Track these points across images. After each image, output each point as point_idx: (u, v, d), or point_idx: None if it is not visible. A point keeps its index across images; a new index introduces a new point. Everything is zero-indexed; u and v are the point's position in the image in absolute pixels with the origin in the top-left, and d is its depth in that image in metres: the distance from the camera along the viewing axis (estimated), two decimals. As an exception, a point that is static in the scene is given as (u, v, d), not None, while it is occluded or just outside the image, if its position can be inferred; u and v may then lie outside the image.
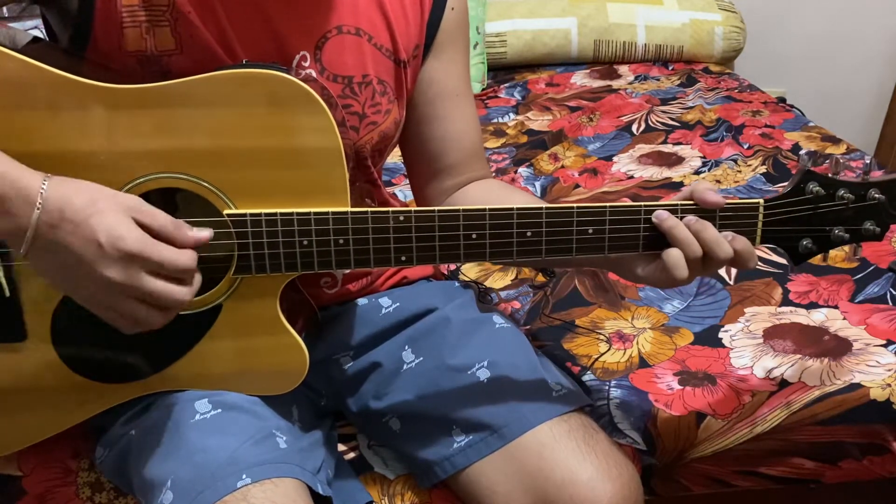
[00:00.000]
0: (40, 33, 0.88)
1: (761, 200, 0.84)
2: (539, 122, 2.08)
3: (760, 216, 0.84)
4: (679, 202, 0.83)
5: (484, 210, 0.81)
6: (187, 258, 0.72)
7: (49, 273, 0.72)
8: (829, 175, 0.85)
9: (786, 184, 0.86)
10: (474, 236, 0.82)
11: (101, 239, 0.68)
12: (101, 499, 0.96)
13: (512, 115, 2.13)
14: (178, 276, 0.72)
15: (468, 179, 1.01)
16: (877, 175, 0.86)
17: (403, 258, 0.82)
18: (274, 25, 0.85)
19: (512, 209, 0.81)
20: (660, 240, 0.83)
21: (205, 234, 0.75)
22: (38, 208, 0.67)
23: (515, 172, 1.79)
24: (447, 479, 0.92)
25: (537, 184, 1.74)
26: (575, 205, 0.82)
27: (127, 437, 0.88)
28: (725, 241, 0.81)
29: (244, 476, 0.79)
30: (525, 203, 0.85)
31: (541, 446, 0.87)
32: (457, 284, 1.09)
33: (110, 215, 0.69)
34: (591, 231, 0.83)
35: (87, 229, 0.68)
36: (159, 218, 0.72)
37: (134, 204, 0.71)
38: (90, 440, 0.97)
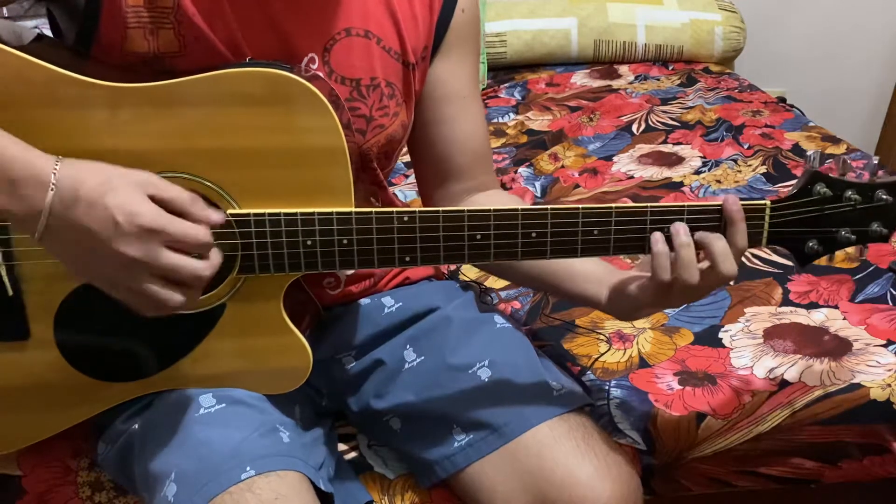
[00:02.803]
0: (41, 31, 0.88)
1: (768, 202, 0.84)
2: (539, 122, 2.08)
3: (767, 217, 0.84)
4: (686, 204, 0.82)
5: (489, 211, 0.81)
6: (203, 231, 0.72)
7: (65, 256, 0.71)
8: (836, 176, 0.84)
9: (793, 185, 0.86)
10: (479, 237, 0.81)
11: (118, 216, 0.68)
12: (101, 498, 0.96)
13: (512, 115, 2.13)
14: (195, 250, 0.72)
15: (476, 186, 1.00)
16: (880, 174, 0.86)
17: (408, 258, 0.82)
18: (282, 27, 0.85)
19: (517, 210, 0.81)
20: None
21: (218, 216, 0.74)
22: (51, 189, 0.67)
23: (515, 172, 1.79)
24: (447, 478, 0.92)
25: (537, 184, 1.74)
26: (580, 206, 0.81)
27: (130, 433, 0.88)
28: (730, 257, 0.80)
29: (248, 468, 0.79)
30: None
31: (541, 446, 0.87)
32: (458, 284, 1.09)
33: (125, 192, 0.69)
34: (596, 232, 0.82)
35: (102, 207, 0.68)
36: (173, 191, 0.71)
37: (147, 179, 0.71)
38: (90, 439, 0.97)
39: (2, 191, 0.67)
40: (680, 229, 0.81)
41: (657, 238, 0.81)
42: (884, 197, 0.83)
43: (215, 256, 0.74)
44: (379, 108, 0.91)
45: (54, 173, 0.68)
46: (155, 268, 0.70)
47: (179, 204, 0.71)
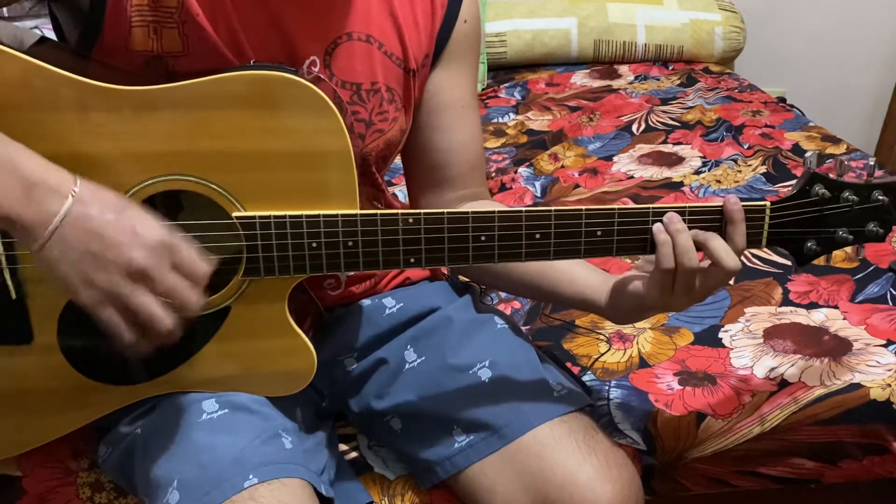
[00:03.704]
0: (41, 33, 0.88)
1: (768, 203, 0.85)
2: (539, 122, 2.08)
3: (767, 218, 0.85)
4: (687, 205, 0.83)
5: (493, 212, 0.81)
6: (206, 265, 0.73)
7: (63, 266, 0.69)
8: (834, 177, 0.85)
9: (792, 186, 0.87)
10: (483, 238, 0.82)
11: (137, 226, 0.69)
12: (101, 499, 0.96)
13: (512, 115, 2.13)
14: (193, 280, 0.72)
15: (468, 196, 1.01)
16: (877, 175, 0.86)
17: (412, 260, 0.82)
18: (285, 30, 0.85)
19: (521, 211, 0.81)
20: None
21: (210, 265, 0.74)
22: (72, 195, 0.68)
23: (515, 172, 1.79)
24: (447, 479, 0.92)
25: (537, 184, 1.74)
26: (583, 207, 0.82)
27: (132, 437, 0.88)
28: (731, 252, 0.81)
29: (251, 476, 0.79)
30: None
31: (541, 447, 0.87)
32: (458, 285, 1.09)
33: (142, 211, 0.71)
34: (599, 233, 0.83)
35: (123, 217, 0.69)
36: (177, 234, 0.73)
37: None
38: (90, 440, 0.97)
39: (15, 194, 0.67)
40: (673, 217, 0.82)
41: (658, 228, 0.82)
42: (880, 198, 0.85)
43: (203, 298, 0.74)
44: (379, 113, 0.91)
45: (74, 185, 0.69)
46: (159, 284, 0.70)
47: (182, 238, 0.72)
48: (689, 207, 0.83)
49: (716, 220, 0.83)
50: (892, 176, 0.86)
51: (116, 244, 0.68)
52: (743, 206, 0.83)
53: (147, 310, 0.70)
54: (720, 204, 0.83)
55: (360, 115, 0.90)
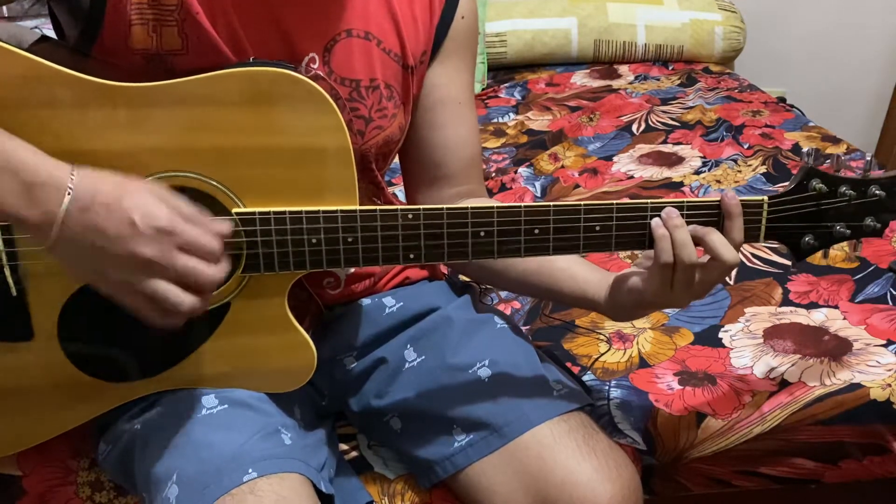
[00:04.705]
0: (42, 32, 0.88)
1: (765, 197, 0.85)
2: (539, 121, 2.08)
3: (765, 213, 0.85)
4: (685, 200, 0.83)
5: (492, 208, 0.81)
6: (215, 239, 0.72)
7: (77, 261, 0.71)
8: (831, 172, 0.85)
9: (789, 181, 0.87)
10: (482, 234, 0.82)
11: (136, 217, 0.68)
12: (101, 498, 0.96)
13: (512, 115, 2.13)
14: (206, 257, 0.72)
15: (465, 192, 1.01)
16: (877, 174, 0.86)
17: (412, 256, 0.82)
18: (284, 27, 0.85)
19: (520, 207, 0.81)
20: None
21: (226, 225, 0.74)
22: (68, 193, 0.68)
23: (515, 172, 1.79)
24: (447, 478, 0.92)
25: (537, 184, 1.74)
26: (582, 202, 0.82)
27: (131, 433, 0.88)
28: (729, 246, 0.81)
29: (250, 471, 0.79)
30: None
31: (541, 446, 0.87)
32: (458, 284, 1.09)
33: (140, 195, 0.70)
34: (598, 228, 0.83)
35: (119, 209, 0.68)
36: (182, 202, 0.72)
37: (161, 190, 0.72)
38: (90, 440, 0.97)
39: (16, 196, 0.67)
40: (671, 212, 0.82)
41: (657, 223, 0.82)
42: (877, 192, 0.85)
43: (224, 264, 0.74)
44: (378, 110, 0.92)
45: (71, 178, 0.68)
46: (170, 269, 0.70)
47: (188, 212, 0.72)
48: (688, 202, 0.83)
49: (714, 216, 0.83)
50: (891, 172, 0.86)
51: (117, 238, 0.68)
52: (741, 200, 0.83)
53: (163, 295, 0.70)
54: (718, 199, 0.83)
55: (360, 111, 0.90)
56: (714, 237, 0.82)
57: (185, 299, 0.71)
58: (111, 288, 0.72)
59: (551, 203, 0.82)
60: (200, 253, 0.71)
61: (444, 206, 0.81)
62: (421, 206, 0.80)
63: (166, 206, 0.70)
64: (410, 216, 0.80)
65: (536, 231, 0.82)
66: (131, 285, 0.70)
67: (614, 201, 0.82)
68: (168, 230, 0.69)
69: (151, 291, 0.70)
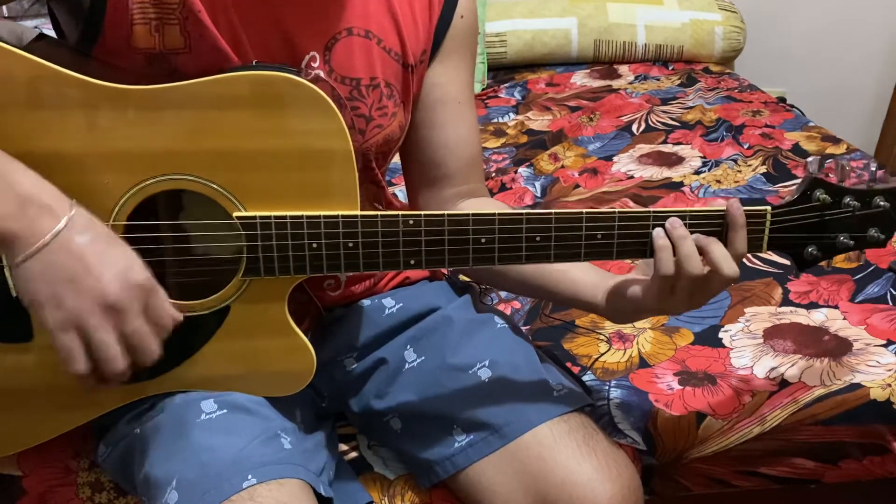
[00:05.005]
0: (40, 31, 0.88)
1: (769, 208, 0.84)
2: (539, 122, 2.08)
3: (768, 223, 0.85)
4: (688, 209, 0.83)
5: (493, 215, 0.81)
6: (176, 317, 0.74)
7: (39, 282, 0.69)
8: (836, 181, 0.85)
9: (793, 190, 0.86)
10: (483, 240, 0.82)
11: (121, 264, 0.70)
12: (101, 499, 0.96)
13: (512, 115, 2.13)
14: (159, 328, 0.73)
15: (466, 192, 1.01)
16: (879, 174, 0.86)
17: (412, 261, 0.82)
18: (284, 26, 0.85)
19: (522, 214, 0.81)
20: None
21: (180, 315, 0.75)
22: (67, 218, 0.68)
23: (515, 172, 1.79)
24: (447, 479, 0.92)
25: (537, 184, 1.74)
26: (584, 210, 0.82)
27: (131, 436, 0.88)
28: (730, 259, 0.81)
29: (250, 476, 0.79)
30: None
31: (541, 446, 0.87)
32: (458, 285, 1.09)
33: (130, 251, 0.71)
34: (599, 236, 0.83)
35: (109, 251, 0.70)
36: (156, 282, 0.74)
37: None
38: (90, 440, 0.97)
39: (9, 209, 0.67)
40: (675, 223, 0.82)
41: (659, 233, 0.82)
42: (881, 203, 0.85)
43: (159, 351, 0.74)
44: (378, 109, 0.92)
45: (71, 208, 0.69)
46: (126, 324, 0.70)
47: (160, 287, 0.73)
48: (690, 212, 0.83)
49: (716, 225, 0.83)
50: (894, 179, 0.86)
51: (97, 275, 0.68)
52: (744, 210, 0.83)
53: (105, 348, 0.70)
54: (720, 208, 0.82)
55: (360, 110, 0.90)
56: (716, 249, 0.81)
57: (120, 362, 0.71)
58: (57, 316, 0.69)
59: (553, 211, 0.82)
60: (157, 324, 0.72)
61: (445, 213, 0.81)
62: (422, 212, 0.80)
63: (148, 272, 0.72)
64: (411, 222, 0.80)
65: (538, 238, 0.82)
66: (81, 323, 0.69)
67: (616, 210, 0.82)
68: (146, 289, 0.71)
69: (97, 339, 0.69)
